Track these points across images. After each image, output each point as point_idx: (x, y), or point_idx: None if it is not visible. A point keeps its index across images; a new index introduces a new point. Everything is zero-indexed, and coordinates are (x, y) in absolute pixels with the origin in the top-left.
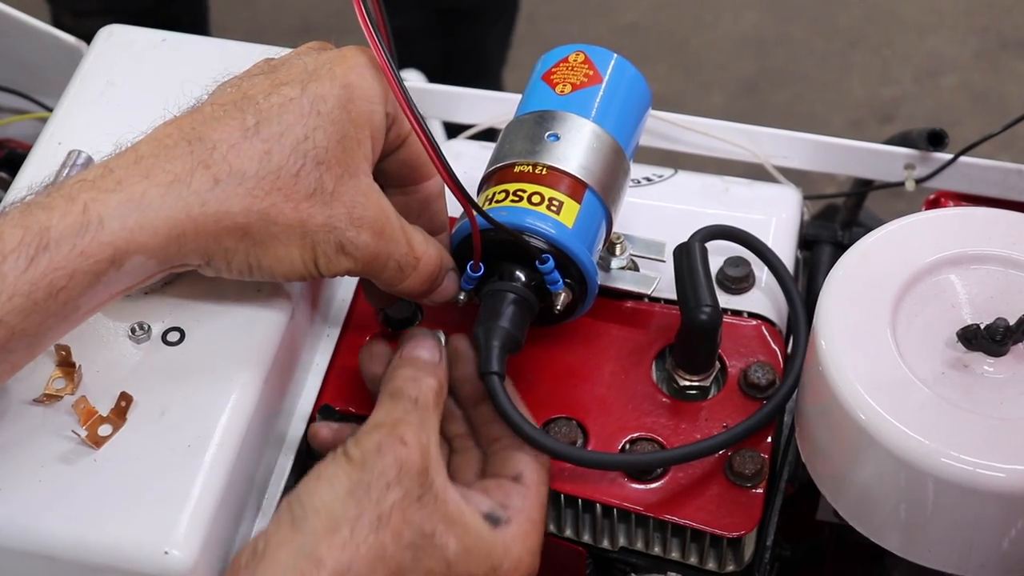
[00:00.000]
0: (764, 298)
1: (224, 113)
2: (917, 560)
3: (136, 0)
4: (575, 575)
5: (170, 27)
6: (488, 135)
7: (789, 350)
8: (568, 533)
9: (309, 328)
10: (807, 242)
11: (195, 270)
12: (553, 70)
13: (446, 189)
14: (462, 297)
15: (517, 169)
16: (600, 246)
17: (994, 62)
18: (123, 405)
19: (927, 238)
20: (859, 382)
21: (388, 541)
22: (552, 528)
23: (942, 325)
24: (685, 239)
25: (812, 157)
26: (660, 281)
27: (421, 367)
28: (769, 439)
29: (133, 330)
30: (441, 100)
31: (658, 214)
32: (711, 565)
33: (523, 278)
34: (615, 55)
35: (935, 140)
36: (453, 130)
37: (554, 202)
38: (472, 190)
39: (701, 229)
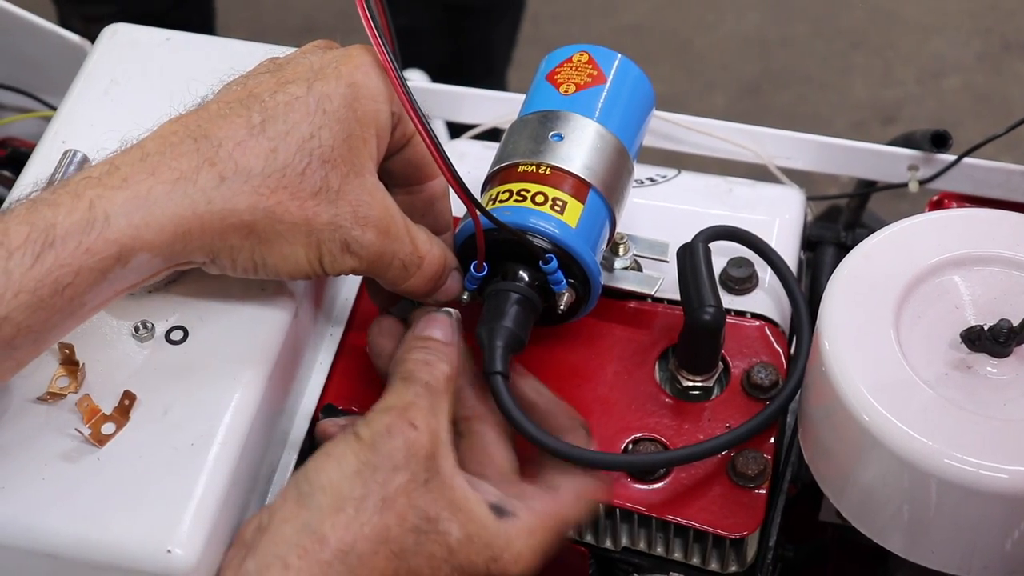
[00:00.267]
0: (767, 299)
1: (230, 111)
2: (920, 561)
3: (147, 5)
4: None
5: (180, 30)
6: (492, 135)
7: (792, 351)
8: (570, 533)
9: (312, 327)
10: (810, 243)
11: (199, 268)
12: (557, 70)
13: (450, 189)
14: (465, 297)
15: (521, 169)
16: (604, 246)
17: (997, 64)
18: (126, 403)
19: (930, 239)
20: (862, 383)
21: (392, 523)
22: None
23: (945, 326)
24: (688, 239)
25: (815, 158)
26: (663, 281)
27: (434, 350)
28: (772, 440)
29: (137, 328)
30: (444, 100)
31: (662, 214)
32: (714, 566)
33: (527, 278)
34: (619, 55)
35: (938, 141)
36: (457, 130)
37: (558, 202)
38: (476, 190)
39: (704, 229)
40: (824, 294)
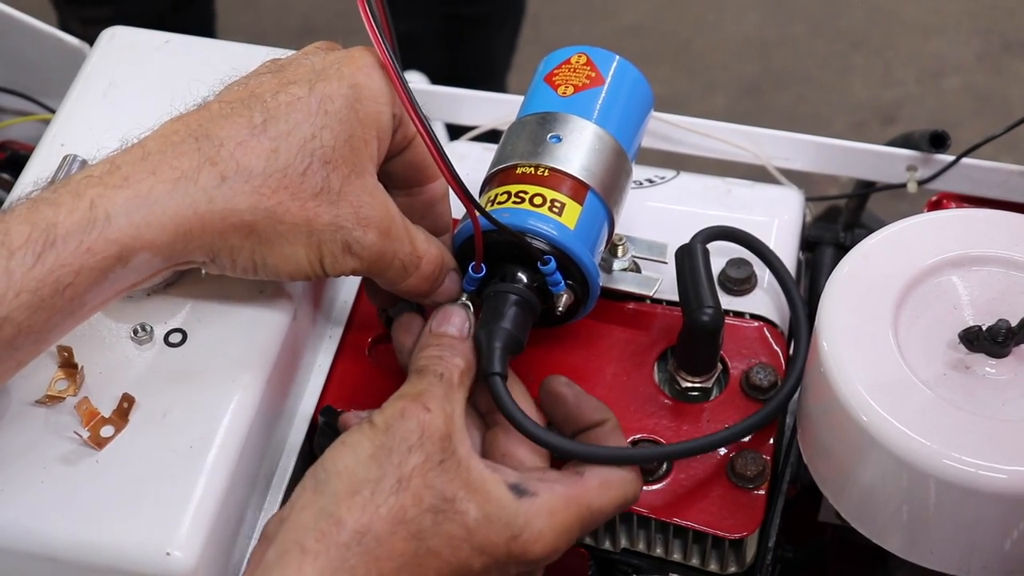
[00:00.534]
0: (766, 300)
1: (231, 111)
2: (919, 562)
3: (145, 8)
4: None
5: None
6: (491, 137)
7: (791, 351)
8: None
9: (311, 329)
10: (809, 244)
11: (197, 271)
12: (555, 72)
13: (450, 191)
14: (464, 298)
15: (519, 171)
16: (602, 248)
17: (997, 64)
18: (125, 406)
19: (929, 239)
20: (861, 383)
21: (408, 503)
22: None
23: (944, 326)
24: (687, 241)
25: (814, 159)
26: (662, 283)
27: (448, 346)
28: (771, 440)
29: (135, 331)
30: (444, 102)
31: (660, 216)
32: (713, 567)
33: (525, 279)
34: (617, 57)
35: (937, 142)
36: (456, 132)
37: (556, 204)
38: (474, 192)
39: (703, 230)
40: (822, 294)
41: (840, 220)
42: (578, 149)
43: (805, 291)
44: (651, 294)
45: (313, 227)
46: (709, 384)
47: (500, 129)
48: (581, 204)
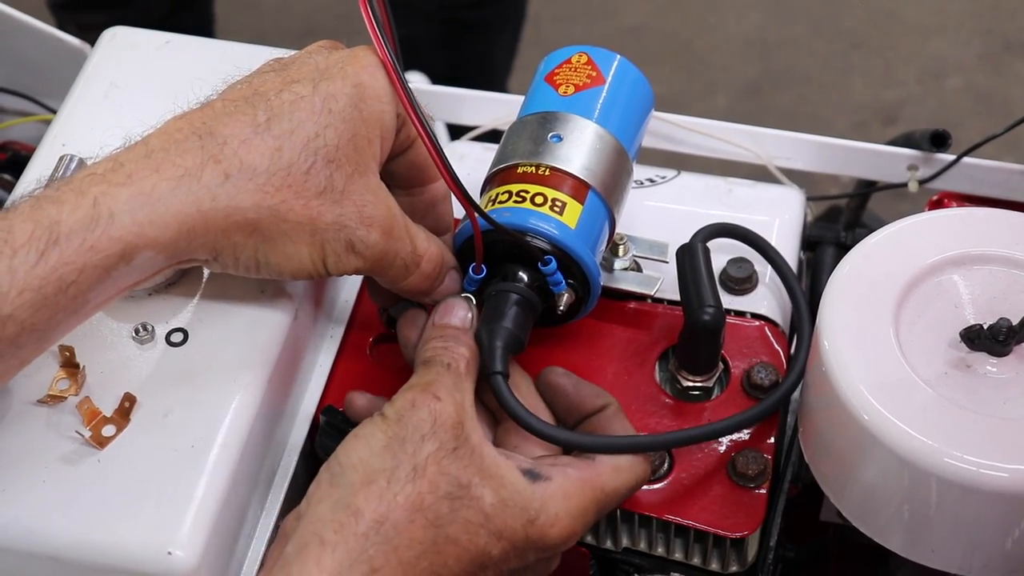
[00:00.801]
0: (767, 299)
1: (235, 109)
2: (920, 560)
3: (143, 13)
4: None
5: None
6: (492, 137)
7: (792, 349)
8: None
9: (312, 329)
10: (810, 243)
11: (199, 270)
12: (556, 71)
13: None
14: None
15: (520, 170)
16: (603, 247)
17: (998, 64)
18: (127, 406)
19: (929, 239)
20: (862, 382)
21: (425, 491)
22: None
23: (945, 325)
24: (688, 240)
25: (815, 158)
26: (663, 282)
27: (451, 336)
28: (772, 439)
29: (137, 331)
30: (445, 102)
31: (661, 215)
32: (714, 566)
33: (526, 279)
34: (618, 56)
35: (938, 141)
36: (457, 132)
37: (557, 203)
38: (475, 192)
39: (703, 228)
40: (823, 294)
41: (841, 220)
42: (579, 148)
43: (806, 291)
44: (652, 293)
45: (316, 226)
46: (710, 383)
47: (501, 129)
48: (582, 203)
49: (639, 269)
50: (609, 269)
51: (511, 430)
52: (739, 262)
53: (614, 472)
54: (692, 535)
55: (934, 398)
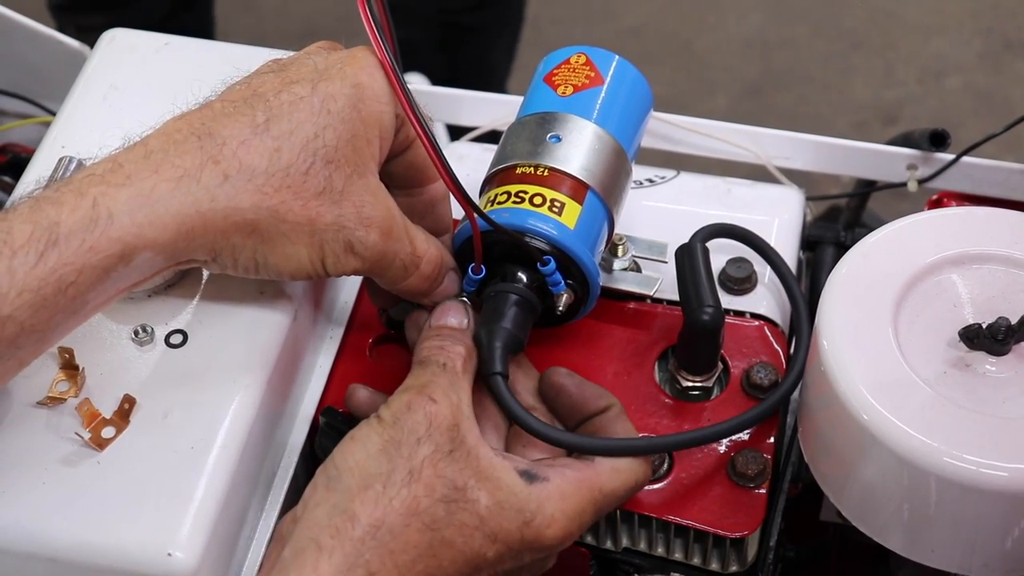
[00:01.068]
0: (766, 299)
1: (234, 109)
2: (920, 560)
3: (142, 15)
4: None
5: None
6: (491, 137)
7: (792, 349)
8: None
9: (312, 330)
10: (810, 243)
11: (198, 272)
12: (555, 72)
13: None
14: (464, 299)
15: (519, 171)
16: (602, 247)
17: (998, 63)
18: (126, 407)
19: (928, 238)
20: (861, 382)
21: (421, 494)
22: None
23: (944, 325)
24: (687, 240)
25: (814, 158)
26: (662, 282)
27: (448, 335)
28: (772, 439)
29: (136, 332)
30: (444, 102)
31: (661, 215)
32: (714, 566)
33: (525, 279)
34: (617, 57)
35: (937, 140)
36: (456, 132)
37: (556, 203)
38: (473, 192)
39: (702, 228)
40: (822, 293)
41: (841, 219)
42: (578, 149)
43: (806, 290)
44: (651, 293)
45: (315, 226)
46: (710, 383)
47: (500, 130)
48: (581, 204)
49: (638, 269)
50: (608, 269)
51: (520, 431)
52: (738, 262)
53: (613, 473)
54: (692, 535)
55: (933, 397)
